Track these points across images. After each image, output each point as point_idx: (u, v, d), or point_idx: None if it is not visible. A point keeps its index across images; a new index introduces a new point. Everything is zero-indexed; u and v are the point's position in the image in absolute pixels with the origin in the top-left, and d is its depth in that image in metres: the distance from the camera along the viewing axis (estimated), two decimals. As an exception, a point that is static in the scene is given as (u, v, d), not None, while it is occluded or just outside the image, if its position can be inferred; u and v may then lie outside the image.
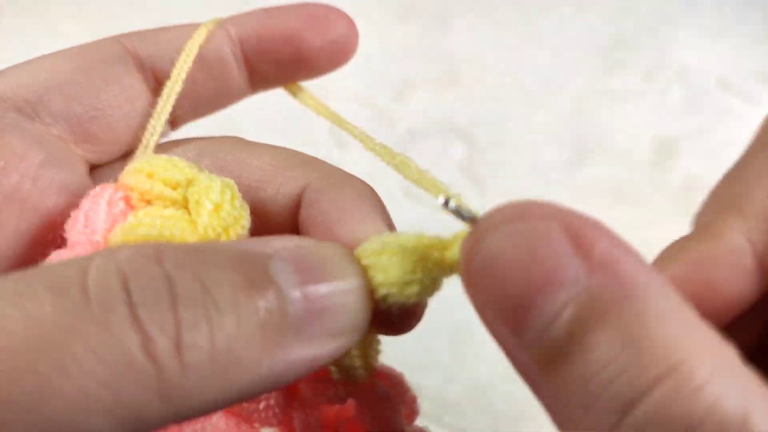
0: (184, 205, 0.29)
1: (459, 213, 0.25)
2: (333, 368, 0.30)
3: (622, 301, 0.19)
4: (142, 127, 0.36)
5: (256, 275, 0.22)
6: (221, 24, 0.37)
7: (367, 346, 0.29)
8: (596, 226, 0.21)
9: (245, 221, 0.29)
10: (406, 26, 1.16)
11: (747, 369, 0.20)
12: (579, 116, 1.06)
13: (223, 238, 0.28)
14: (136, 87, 0.36)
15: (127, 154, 0.36)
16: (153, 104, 0.36)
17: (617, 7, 1.24)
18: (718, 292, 0.27)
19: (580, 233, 0.21)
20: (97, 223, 0.28)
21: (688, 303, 0.21)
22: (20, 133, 0.32)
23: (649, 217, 0.94)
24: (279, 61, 0.37)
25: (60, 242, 0.31)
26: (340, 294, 0.24)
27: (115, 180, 0.32)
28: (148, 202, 0.30)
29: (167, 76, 0.36)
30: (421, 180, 0.30)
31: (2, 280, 0.20)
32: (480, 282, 0.22)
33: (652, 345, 0.19)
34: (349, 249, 0.26)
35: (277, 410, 0.30)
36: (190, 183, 0.29)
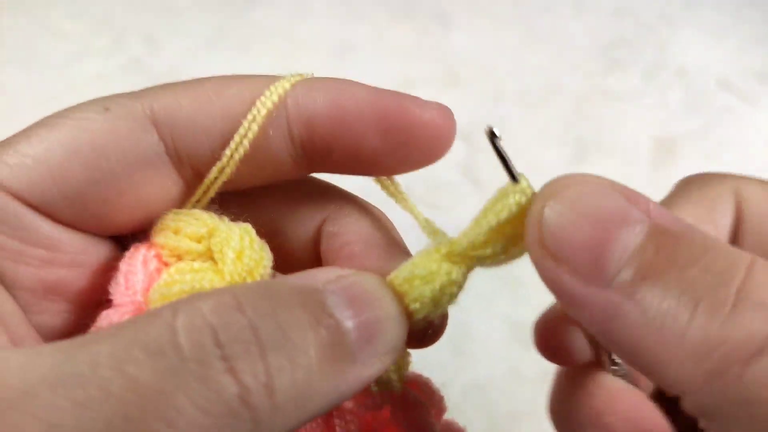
0: (210, 255, 0.31)
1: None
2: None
3: (687, 230, 0.24)
4: (156, 213, 0.33)
5: (317, 312, 0.25)
6: (278, 104, 0.30)
7: (400, 361, 0.32)
8: (642, 195, 0.25)
9: (266, 261, 0.31)
10: (406, 26, 1.16)
11: None
12: (579, 116, 1.06)
13: (248, 280, 0.30)
14: (158, 189, 0.32)
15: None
16: (182, 189, 0.33)
17: (617, 7, 1.24)
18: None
19: (632, 195, 0.25)
20: (137, 283, 0.31)
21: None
22: (27, 225, 0.30)
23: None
24: (339, 156, 0.31)
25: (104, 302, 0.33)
26: (384, 321, 0.27)
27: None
28: (178, 257, 0.32)
29: (206, 161, 0.31)
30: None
31: (94, 344, 0.22)
32: (553, 240, 0.25)
33: (725, 255, 0.23)
34: (382, 278, 0.29)
35: (320, 420, 0.32)
36: (211, 234, 0.31)
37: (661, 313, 0.23)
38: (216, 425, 0.21)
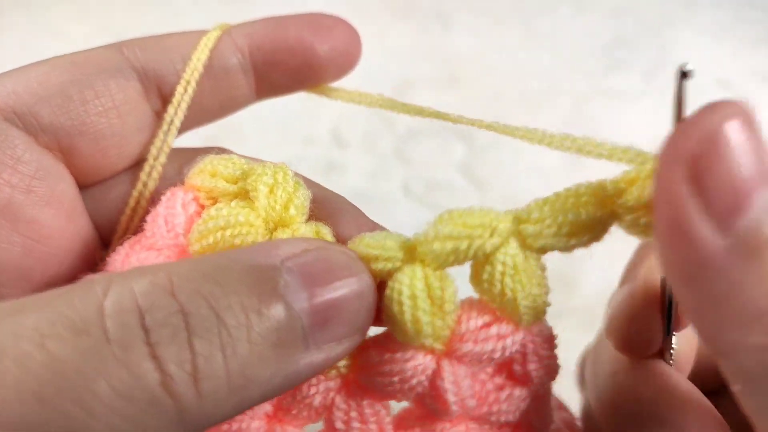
0: (246, 195, 0.31)
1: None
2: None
3: None
4: (134, 143, 0.35)
5: (265, 293, 0.23)
6: (228, 32, 0.36)
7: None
8: None
9: (301, 193, 0.31)
10: (406, 26, 1.16)
11: None
12: (579, 116, 1.06)
13: (284, 214, 0.30)
14: (132, 101, 0.34)
15: (118, 173, 0.35)
16: (152, 117, 0.35)
17: (617, 7, 1.24)
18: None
19: None
20: (177, 226, 0.31)
21: None
22: (10, 143, 0.31)
23: (648, 217, 0.94)
24: (287, 70, 0.36)
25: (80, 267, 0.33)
26: (346, 301, 0.25)
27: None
28: (215, 200, 0.32)
29: (171, 87, 0.35)
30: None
31: (21, 316, 0.21)
32: (707, 167, 0.22)
33: None
34: (356, 250, 0.28)
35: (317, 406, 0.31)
36: (246, 175, 0.31)
37: (761, 290, 0.21)
38: (136, 412, 0.21)
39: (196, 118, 0.37)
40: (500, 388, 0.30)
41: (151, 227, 0.32)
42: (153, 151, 0.35)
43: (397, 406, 0.32)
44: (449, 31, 1.17)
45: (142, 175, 0.35)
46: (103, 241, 0.36)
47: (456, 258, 0.28)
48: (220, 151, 0.35)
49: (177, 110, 0.34)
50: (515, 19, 1.20)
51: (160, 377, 0.21)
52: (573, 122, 1.05)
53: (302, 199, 0.31)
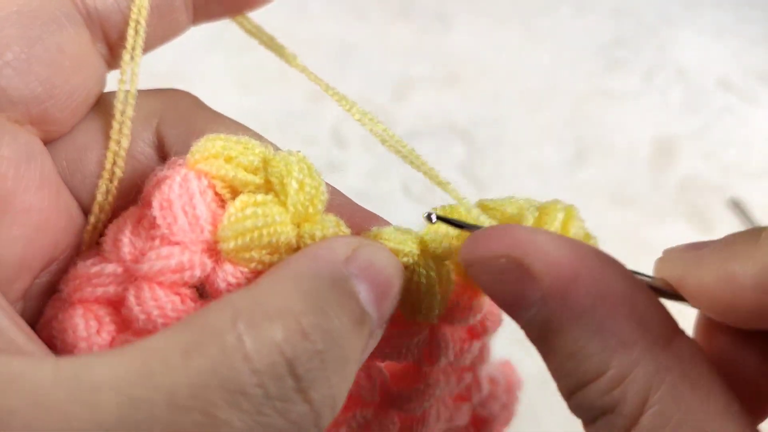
0: (269, 187, 0.30)
1: (447, 221, 0.32)
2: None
3: (569, 322, 0.27)
4: (93, 93, 0.33)
5: (354, 306, 0.27)
6: None
7: (443, 291, 0.33)
8: (546, 253, 0.28)
9: (323, 187, 0.31)
10: (406, 26, 1.16)
11: (681, 363, 0.27)
12: (579, 116, 1.06)
13: (310, 209, 0.30)
14: (89, 51, 0.32)
15: (73, 124, 0.33)
16: (101, 62, 0.33)
17: (617, 7, 1.24)
18: (743, 308, 0.30)
19: (532, 268, 0.28)
20: (202, 219, 0.30)
21: (636, 304, 0.28)
22: None
23: (648, 217, 0.94)
24: None
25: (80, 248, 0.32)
26: (393, 293, 0.29)
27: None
28: (232, 188, 0.31)
29: (115, 28, 0.32)
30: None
31: (166, 376, 0.21)
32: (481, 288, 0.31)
33: (589, 357, 0.27)
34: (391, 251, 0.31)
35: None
36: (266, 164, 0.31)
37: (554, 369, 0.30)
38: None
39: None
40: (463, 341, 0.37)
41: (164, 217, 0.29)
42: (118, 106, 0.32)
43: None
44: (449, 31, 1.17)
45: (113, 134, 0.32)
46: (81, 205, 0.33)
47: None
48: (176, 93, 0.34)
49: (133, 57, 0.32)
50: (515, 19, 1.20)
51: (313, 417, 0.24)
52: (573, 122, 1.05)
53: (325, 192, 0.31)
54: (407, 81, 1.08)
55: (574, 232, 0.32)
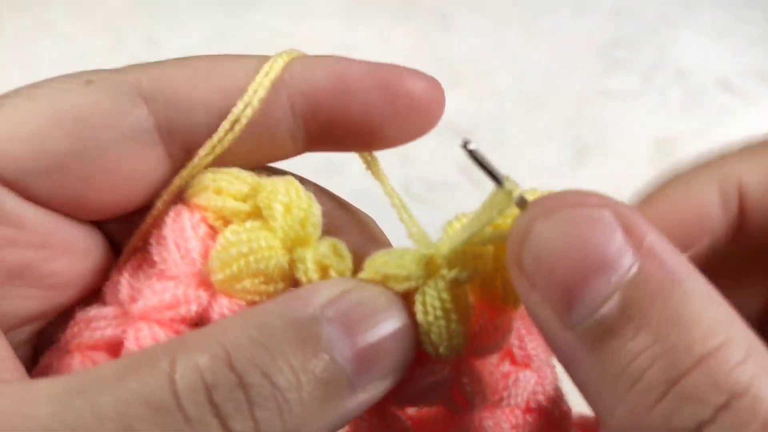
0: (258, 213, 0.30)
1: (516, 201, 0.26)
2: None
3: (670, 287, 0.22)
4: (152, 193, 0.31)
5: (310, 350, 0.24)
6: (279, 76, 0.29)
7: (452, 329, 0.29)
8: (644, 220, 0.24)
9: (315, 209, 0.30)
10: (406, 26, 1.16)
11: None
12: (579, 116, 1.06)
13: (301, 233, 0.29)
14: (149, 164, 0.30)
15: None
16: (170, 173, 0.31)
17: (617, 7, 1.24)
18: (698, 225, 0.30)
19: (632, 223, 0.23)
20: (193, 251, 0.29)
21: (719, 294, 0.23)
22: (6, 206, 0.28)
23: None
24: (343, 133, 0.31)
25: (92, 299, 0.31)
26: (389, 338, 0.26)
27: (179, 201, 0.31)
28: (224, 219, 0.30)
29: (198, 141, 0.30)
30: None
31: (95, 393, 0.23)
32: (531, 264, 0.24)
33: (697, 326, 0.21)
34: (390, 289, 0.28)
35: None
36: (256, 191, 0.30)
37: (604, 380, 0.23)
38: None
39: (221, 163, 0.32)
40: (507, 375, 0.31)
41: (159, 252, 0.30)
42: (169, 188, 0.31)
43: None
44: (450, 31, 1.17)
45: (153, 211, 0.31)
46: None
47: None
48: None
49: (202, 161, 0.30)
50: (515, 20, 1.20)
51: None
52: (573, 122, 1.05)
53: (317, 215, 0.30)
54: (407, 81, 1.08)
55: None
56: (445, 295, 0.28)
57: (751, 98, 1.11)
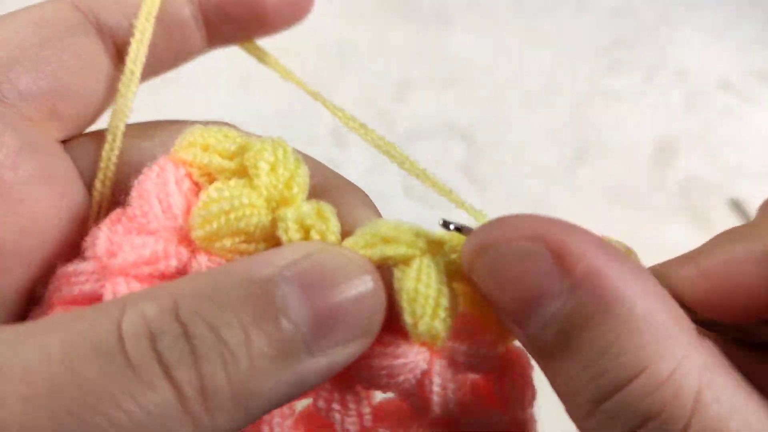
0: (244, 172, 0.29)
1: (458, 229, 0.28)
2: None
3: (602, 314, 0.24)
4: (105, 98, 0.34)
5: (262, 307, 0.24)
6: None
7: (447, 305, 0.28)
8: (580, 238, 0.25)
9: (302, 171, 0.29)
10: (406, 26, 1.16)
11: (720, 362, 0.24)
12: (579, 116, 1.06)
13: (286, 194, 0.29)
14: (100, 58, 0.34)
15: (88, 126, 0.35)
16: (113, 72, 0.34)
17: (617, 7, 1.24)
18: (744, 291, 0.28)
19: (564, 250, 0.24)
20: (176, 207, 0.29)
21: (665, 300, 0.25)
22: None
23: (648, 217, 0.94)
24: (237, 19, 0.36)
25: (72, 247, 0.31)
26: (350, 301, 0.26)
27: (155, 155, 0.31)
28: (209, 175, 0.30)
29: (126, 40, 0.34)
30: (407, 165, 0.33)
31: (45, 338, 0.23)
32: (485, 290, 0.27)
33: (625, 350, 0.23)
34: (362, 255, 0.27)
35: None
36: (243, 150, 0.30)
37: (557, 389, 0.26)
38: (158, 426, 0.23)
39: (149, 69, 0.36)
40: (479, 404, 0.30)
41: (140, 206, 0.29)
42: (116, 110, 0.33)
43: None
44: (449, 31, 1.17)
45: (108, 137, 0.33)
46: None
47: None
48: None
49: (135, 65, 0.33)
50: (515, 20, 1.20)
51: (175, 396, 0.23)
52: (573, 122, 1.05)
53: (303, 176, 0.29)
54: (407, 81, 1.08)
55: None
56: (442, 270, 0.27)
57: (752, 98, 1.11)
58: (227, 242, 0.28)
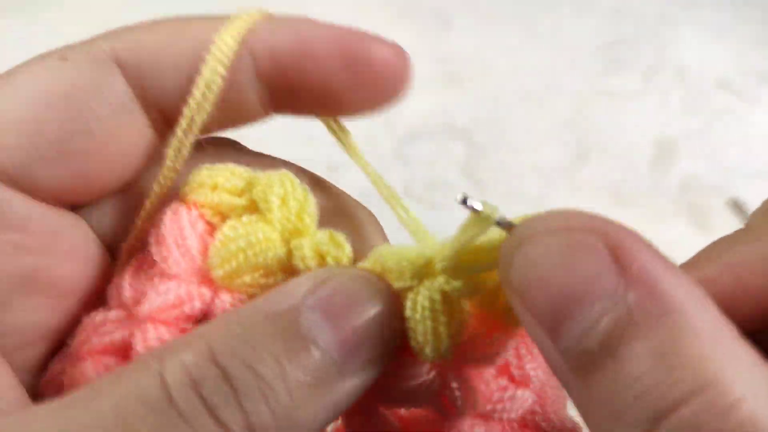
0: (255, 208, 0.30)
1: (499, 223, 0.25)
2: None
3: (658, 317, 0.21)
4: (143, 165, 0.31)
5: (291, 338, 0.25)
6: (242, 40, 0.29)
7: (452, 322, 0.28)
8: (637, 241, 0.22)
9: (311, 200, 0.30)
10: (406, 26, 1.16)
11: None
12: (579, 116, 1.06)
13: (298, 225, 0.29)
14: (143, 133, 0.30)
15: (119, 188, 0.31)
16: (155, 139, 0.31)
17: (617, 7, 1.24)
18: (750, 296, 0.27)
19: (621, 248, 0.22)
20: (193, 249, 0.30)
21: (726, 319, 0.21)
22: (9, 207, 0.27)
23: (648, 217, 0.94)
24: (306, 96, 0.31)
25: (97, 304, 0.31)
26: (371, 321, 0.26)
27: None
28: (221, 214, 0.30)
29: (172, 101, 0.30)
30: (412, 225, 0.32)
31: (96, 403, 0.24)
32: (520, 288, 0.23)
33: (685, 362, 0.20)
34: (372, 272, 0.28)
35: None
36: (251, 186, 0.30)
37: (592, 408, 0.22)
38: None
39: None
40: (504, 389, 0.30)
41: (159, 252, 0.29)
42: (160, 179, 0.31)
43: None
44: (449, 31, 1.17)
45: (147, 203, 0.31)
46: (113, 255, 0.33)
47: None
48: (214, 153, 0.31)
49: (186, 135, 0.30)
50: (515, 19, 1.20)
51: None
52: (573, 122, 1.05)
53: (312, 205, 0.30)
54: (407, 81, 1.08)
55: None
56: (436, 297, 0.27)
57: (751, 98, 1.10)
58: (247, 278, 0.29)
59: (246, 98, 0.31)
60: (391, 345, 0.27)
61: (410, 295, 0.28)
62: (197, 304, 0.29)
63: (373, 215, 0.34)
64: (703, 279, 0.26)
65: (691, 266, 0.28)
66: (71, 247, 0.30)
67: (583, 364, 0.22)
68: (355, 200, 0.34)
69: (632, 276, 0.21)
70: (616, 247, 0.22)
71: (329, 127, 0.35)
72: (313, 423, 0.25)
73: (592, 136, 1.03)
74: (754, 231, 0.28)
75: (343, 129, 0.36)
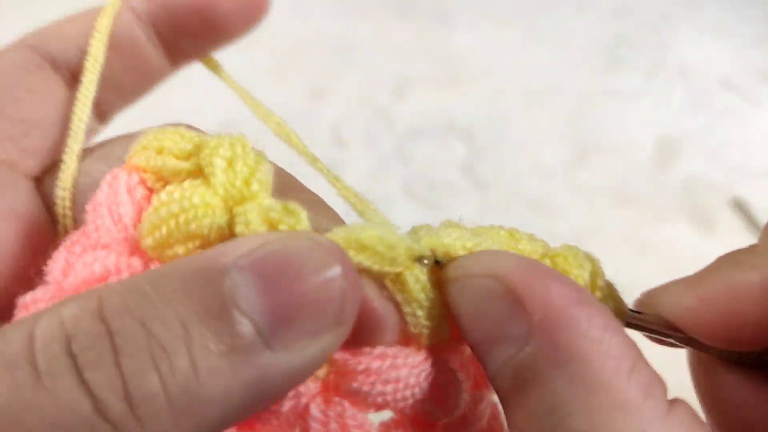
0: (200, 173, 0.26)
1: (437, 261, 0.27)
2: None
3: (554, 370, 0.22)
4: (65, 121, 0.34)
5: (207, 299, 0.21)
6: (125, 2, 0.35)
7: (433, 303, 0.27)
8: (549, 284, 0.24)
9: (264, 167, 0.26)
10: (407, 25, 1.16)
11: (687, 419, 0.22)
12: (580, 116, 1.06)
13: (245, 192, 0.26)
14: (59, 90, 0.34)
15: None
16: (69, 96, 0.34)
17: (618, 6, 1.24)
18: (746, 323, 0.27)
19: (525, 294, 0.23)
20: (126, 216, 0.27)
21: (639, 367, 0.23)
22: None
23: (650, 217, 0.94)
24: (193, 32, 0.35)
25: (29, 276, 0.29)
26: (317, 288, 0.22)
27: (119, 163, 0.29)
28: (165, 180, 0.27)
29: (82, 70, 0.34)
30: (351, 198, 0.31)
31: None
32: (457, 315, 0.26)
33: (575, 415, 0.22)
34: (331, 238, 0.25)
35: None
36: (199, 149, 0.27)
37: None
38: None
39: (116, 98, 0.36)
40: (478, 395, 0.29)
41: (93, 220, 0.27)
42: (70, 134, 0.33)
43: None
44: (450, 30, 1.17)
45: (62, 165, 0.32)
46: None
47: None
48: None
49: (87, 88, 0.33)
50: (516, 19, 1.20)
51: (92, 403, 0.20)
52: (574, 122, 1.05)
53: (265, 172, 0.26)
54: (407, 80, 1.07)
55: (600, 285, 0.27)
56: (431, 277, 0.26)
57: (754, 97, 1.10)
58: (180, 249, 0.25)
59: (149, 52, 0.35)
60: (344, 319, 0.23)
61: (408, 274, 0.26)
62: (126, 276, 0.25)
63: (340, 217, 0.31)
64: (703, 297, 0.27)
65: (695, 282, 0.28)
66: (12, 209, 0.30)
67: (500, 394, 0.24)
68: (322, 199, 0.31)
69: (535, 327, 0.23)
70: (520, 294, 0.23)
71: (209, 66, 0.38)
72: (223, 402, 0.21)
73: (593, 135, 1.03)
74: (756, 252, 0.27)
75: (218, 64, 0.38)
